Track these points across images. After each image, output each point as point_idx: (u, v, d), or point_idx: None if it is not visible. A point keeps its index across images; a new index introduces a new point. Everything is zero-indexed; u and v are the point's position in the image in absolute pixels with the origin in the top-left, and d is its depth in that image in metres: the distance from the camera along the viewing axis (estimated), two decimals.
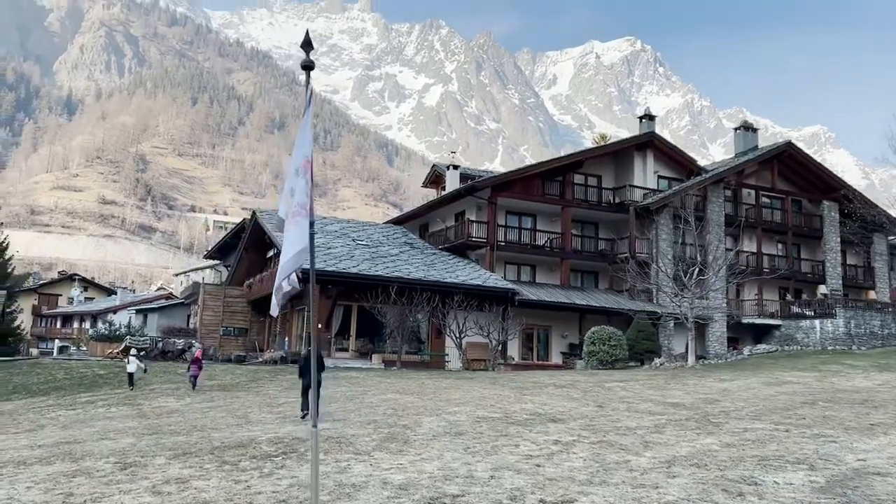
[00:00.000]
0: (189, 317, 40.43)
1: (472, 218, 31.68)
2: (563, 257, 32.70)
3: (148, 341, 25.54)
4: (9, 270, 43.95)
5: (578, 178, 34.04)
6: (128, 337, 26.48)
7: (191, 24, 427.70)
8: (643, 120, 35.41)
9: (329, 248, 29.33)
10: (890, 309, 33.33)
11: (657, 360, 25.53)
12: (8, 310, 41.28)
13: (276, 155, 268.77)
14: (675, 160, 35.58)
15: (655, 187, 34.69)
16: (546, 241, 32.96)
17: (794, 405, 14.26)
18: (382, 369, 25.75)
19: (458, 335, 26.27)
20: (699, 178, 34.04)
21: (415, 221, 37.92)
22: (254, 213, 33.94)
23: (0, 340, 40.21)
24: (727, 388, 17.51)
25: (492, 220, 31.42)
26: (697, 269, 25.31)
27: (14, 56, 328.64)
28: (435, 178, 39.48)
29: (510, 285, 29.40)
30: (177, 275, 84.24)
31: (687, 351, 25.63)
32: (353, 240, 31.74)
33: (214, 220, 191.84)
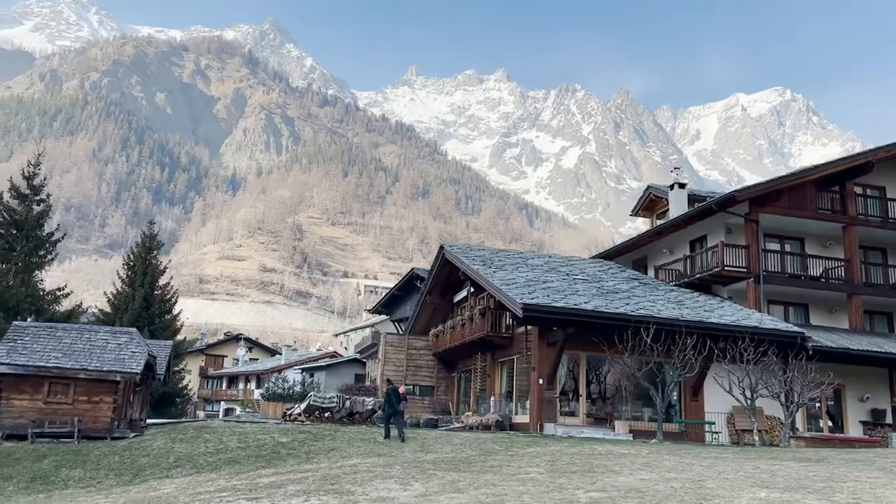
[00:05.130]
0: (364, 375, 35.55)
1: (723, 242, 24.39)
2: (852, 292, 24.44)
3: (335, 399, 20.29)
4: (178, 326, 41.55)
5: (859, 189, 25.96)
6: (311, 394, 21.44)
7: (340, 105, 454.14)
8: None
9: (545, 282, 23.14)
10: None
11: None
12: (175, 368, 38.38)
13: (422, 221, 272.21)
14: None
15: None
16: (823, 271, 24.93)
17: None
18: (633, 441, 18.82)
19: (748, 397, 18.82)
20: None
21: (626, 257, 31.09)
22: (441, 247, 28.63)
23: (166, 400, 37.23)
24: None
25: (754, 244, 23.98)
26: None
27: (187, 141, 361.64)
28: (648, 204, 32.63)
29: (796, 328, 21.67)
30: (337, 335, 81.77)
31: None
32: (567, 274, 25.41)
33: (365, 285, 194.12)
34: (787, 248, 25.59)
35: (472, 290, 26.98)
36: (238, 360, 65.28)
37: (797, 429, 22.00)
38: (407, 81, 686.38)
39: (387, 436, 17.25)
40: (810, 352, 20.52)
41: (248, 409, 41.82)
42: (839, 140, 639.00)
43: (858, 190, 25.92)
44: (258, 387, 52.80)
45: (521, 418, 22.29)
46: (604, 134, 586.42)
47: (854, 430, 23.17)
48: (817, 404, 23.46)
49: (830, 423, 23.79)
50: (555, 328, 20.67)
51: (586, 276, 25.37)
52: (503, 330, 23.84)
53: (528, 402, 21.73)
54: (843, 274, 24.88)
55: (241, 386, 59.67)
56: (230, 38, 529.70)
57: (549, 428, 20.49)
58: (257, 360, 66.24)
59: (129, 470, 15.17)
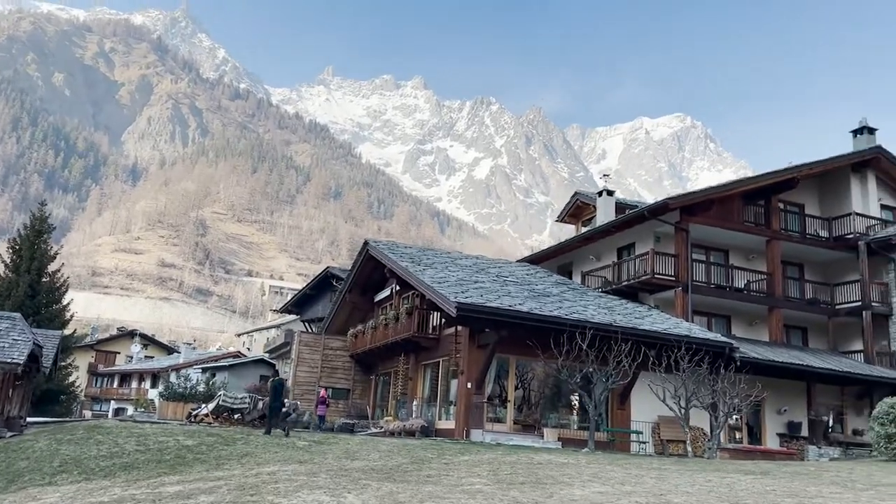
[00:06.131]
0: (270, 377, 33.40)
1: (654, 249, 24.24)
2: (773, 305, 24.83)
3: (247, 400, 18.47)
4: (67, 317, 37.94)
5: (781, 205, 26.51)
6: (220, 393, 19.49)
7: (252, 99, 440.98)
8: (859, 134, 27.80)
9: (476, 282, 22.18)
10: None
11: None
12: (63, 362, 34.97)
13: (333, 222, 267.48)
14: None
15: (880, 218, 26.85)
16: (746, 283, 25.23)
17: None
18: (565, 450, 18.07)
19: (682, 406, 18.46)
20: None
21: (551, 262, 30.67)
22: (366, 242, 27.19)
23: (51, 397, 33.76)
24: None
25: (683, 253, 23.93)
26: None
27: (85, 126, 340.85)
28: (575, 210, 32.40)
29: (725, 338, 21.66)
30: (240, 335, 78.22)
31: None
32: (497, 276, 24.59)
33: (270, 285, 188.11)
34: (713, 258, 25.78)
35: (398, 288, 25.74)
36: (132, 357, 61.03)
37: (720, 440, 21.97)
38: (323, 81, 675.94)
39: (268, 432, 16.89)
40: (738, 363, 20.49)
41: (141, 409, 38.72)
42: (733, 167, 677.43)
43: (781, 206, 26.47)
44: (153, 386, 49.31)
45: (446, 424, 21.19)
46: (515, 148, 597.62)
47: (771, 441, 23.45)
48: (735, 417, 23.59)
49: (748, 436, 24.00)
50: (487, 330, 19.72)
51: (516, 279, 24.64)
52: (430, 331, 22.71)
53: (454, 407, 20.66)
54: (765, 287, 25.27)
55: (134, 385, 55.65)
56: (138, 22, 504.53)
57: (476, 434, 19.49)
58: (153, 357, 62.15)
59: (3, 475, 12.98)
